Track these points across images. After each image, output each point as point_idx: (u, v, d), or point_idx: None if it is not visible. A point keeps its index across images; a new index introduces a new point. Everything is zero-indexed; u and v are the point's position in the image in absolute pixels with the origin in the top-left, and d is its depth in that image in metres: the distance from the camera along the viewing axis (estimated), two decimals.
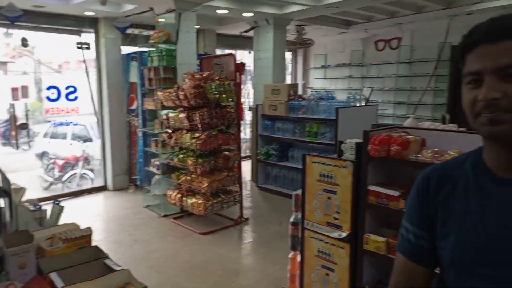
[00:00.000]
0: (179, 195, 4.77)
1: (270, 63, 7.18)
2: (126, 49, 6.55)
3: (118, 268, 1.26)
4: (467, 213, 0.87)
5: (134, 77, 6.31)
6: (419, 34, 8.07)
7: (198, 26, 6.48)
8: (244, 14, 6.76)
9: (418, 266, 0.97)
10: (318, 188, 2.55)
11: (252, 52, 7.91)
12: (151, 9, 5.55)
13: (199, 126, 4.38)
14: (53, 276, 1.16)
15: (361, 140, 2.39)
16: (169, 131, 4.86)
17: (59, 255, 1.32)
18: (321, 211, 2.53)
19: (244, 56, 8.40)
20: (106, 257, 1.33)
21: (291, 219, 2.82)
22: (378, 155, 2.25)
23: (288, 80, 10.17)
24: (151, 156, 5.56)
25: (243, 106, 4.99)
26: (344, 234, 2.41)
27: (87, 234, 1.44)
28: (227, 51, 8.55)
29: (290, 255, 2.89)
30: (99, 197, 6.29)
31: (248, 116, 6.57)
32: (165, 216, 5.10)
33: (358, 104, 5.90)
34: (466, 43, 0.83)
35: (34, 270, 1.22)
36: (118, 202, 5.96)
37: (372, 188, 2.31)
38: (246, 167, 6.75)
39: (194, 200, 4.57)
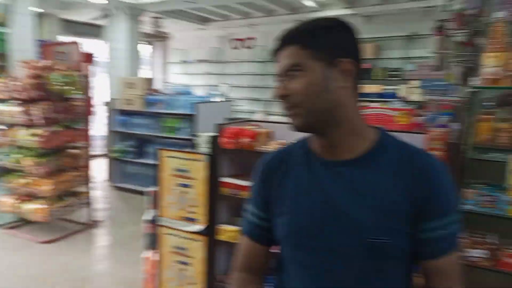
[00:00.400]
0: (14, 201, 4.12)
1: (125, 54, 6.79)
2: None
3: None
4: (298, 192, 0.95)
5: None
6: (271, 36, 8.69)
7: (39, 10, 5.71)
8: (94, 0, 6.23)
9: (260, 245, 1.05)
10: (173, 183, 2.50)
11: (103, 42, 7.36)
12: None
13: (40, 121, 3.85)
14: None
15: (214, 133, 2.43)
16: (2, 127, 4.15)
17: None
18: (177, 206, 2.49)
19: (98, 46, 7.73)
20: None
21: (146, 217, 2.72)
22: (230, 147, 2.32)
23: (148, 74, 9.80)
24: None
25: (93, 100, 4.58)
26: (199, 227, 2.42)
27: None
28: (73, 39, 7.75)
29: (144, 255, 2.78)
30: None
31: (103, 111, 6.08)
32: None
33: (215, 100, 6.03)
34: (274, 48, 0.95)
35: None
36: None
37: (225, 179, 2.38)
38: (102, 166, 6.27)
39: (33, 205, 4.00)
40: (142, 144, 5.89)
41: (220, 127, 2.39)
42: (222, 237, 2.36)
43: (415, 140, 1.88)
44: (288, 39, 0.91)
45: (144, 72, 8.72)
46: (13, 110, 3.97)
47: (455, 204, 0.91)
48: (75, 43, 4.58)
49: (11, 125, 4.09)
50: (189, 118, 5.24)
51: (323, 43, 0.89)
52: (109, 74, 6.93)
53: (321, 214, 0.90)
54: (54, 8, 6.77)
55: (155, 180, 2.63)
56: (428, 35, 6.45)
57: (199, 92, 7.18)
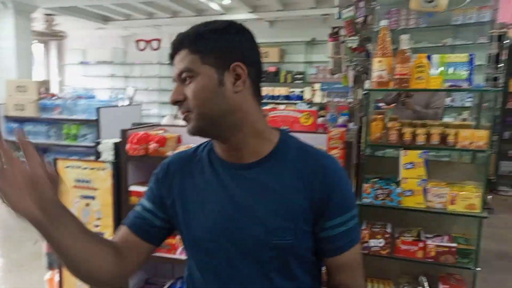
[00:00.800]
0: None
1: (13, 54, 6.11)
2: None
3: None
4: (202, 196, 0.94)
5: None
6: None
7: None
8: None
9: (142, 241, 0.97)
10: (75, 195, 2.32)
11: None
12: None
13: None
14: None
15: (119, 140, 2.31)
16: None
17: None
18: (80, 219, 2.31)
19: None
20: None
21: None
22: (137, 153, 2.23)
23: (42, 76, 8.94)
24: None
25: None
26: None
27: None
28: None
29: (47, 276, 2.54)
30: None
31: None
32: None
33: (121, 104, 5.72)
34: (170, 52, 0.93)
35: None
36: None
37: (133, 188, 2.27)
38: None
39: None
40: (38, 154, 5.34)
41: (125, 133, 2.28)
42: None
43: (319, 140, 2.01)
44: (179, 44, 0.90)
45: (38, 74, 7.94)
46: None
47: (352, 201, 0.96)
48: None
49: None
50: (92, 124, 4.90)
51: (213, 47, 0.87)
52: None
53: (225, 218, 0.91)
54: None
55: None
56: (326, 41, 6.93)
57: (103, 95, 6.75)
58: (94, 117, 4.83)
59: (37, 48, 8.74)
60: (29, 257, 3.84)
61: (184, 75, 0.88)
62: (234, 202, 0.91)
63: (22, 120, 5.22)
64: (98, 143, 2.40)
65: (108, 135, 4.58)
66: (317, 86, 6.81)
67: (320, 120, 2.55)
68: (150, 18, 8.31)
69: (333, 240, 0.92)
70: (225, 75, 0.87)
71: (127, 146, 2.24)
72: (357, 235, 0.96)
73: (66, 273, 2.37)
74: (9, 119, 5.27)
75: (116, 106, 5.35)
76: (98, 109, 4.81)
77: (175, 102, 0.90)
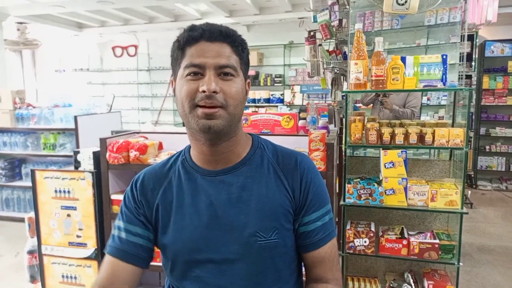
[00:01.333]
0: None
1: None
2: None
3: None
4: (183, 207, 0.93)
5: None
6: (155, 43, 8.47)
7: None
8: None
9: (128, 265, 0.94)
10: (55, 206, 2.28)
11: None
12: None
13: None
14: None
15: (99, 148, 2.28)
16: None
17: None
18: (61, 231, 2.27)
19: None
20: None
21: (27, 248, 2.43)
22: (117, 162, 2.20)
23: (16, 85, 8.71)
24: None
25: None
26: (89, 252, 2.24)
27: None
28: None
29: None
30: None
31: None
32: None
33: (99, 111, 5.63)
34: (188, 37, 0.88)
35: None
36: None
37: (115, 197, 2.25)
38: None
39: None
40: (16, 165, 5.22)
41: (104, 141, 2.25)
42: None
43: (300, 142, 2.03)
44: (219, 35, 0.88)
45: (14, 84, 7.74)
46: None
47: (327, 197, 0.99)
48: None
49: None
50: (70, 132, 4.81)
51: (247, 58, 0.95)
52: None
53: (208, 227, 0.91)
54: None
55: (33, 205, 2.36)
56: (303, 44, 7.00)
57: (80, 103, 6.63)
58: (72, 126, 4.74)
59: (12, 57, 8.52)
60: (10, 269, 3.73)
61: (227, 70, 0.87)
62: (216, 209, 0.91)
63: None
64: (77, 153, 2.36)
65: (87, 144, 4.52)
66: (296, 88, 6.87)
67: (300, 122, 2.57)
68: (126, 25, 8.22)
69: (311, 235, 0.95)
70: (245, 85, 0.94)
71: (107, 154, 2.21)
72: (332, 230, 0.99)
73: (51, 284, 2.31)
74: None
75: (95, 113, 5.27)
76: (76, 118, 4.72)
77: (211, 92, 0.84)
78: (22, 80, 9.25)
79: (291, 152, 1.00)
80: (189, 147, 1.00)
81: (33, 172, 2.31)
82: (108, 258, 0.96)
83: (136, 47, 8.45)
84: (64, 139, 4.93)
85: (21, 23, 7.14)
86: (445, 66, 2.05)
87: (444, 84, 2.06)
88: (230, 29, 0.91)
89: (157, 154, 2.31)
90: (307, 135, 2.04)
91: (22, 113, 5.02)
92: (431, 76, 2.07)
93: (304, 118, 2.73)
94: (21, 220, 4.75)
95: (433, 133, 2.07)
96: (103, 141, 2.25)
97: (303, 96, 6.27)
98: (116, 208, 2.22)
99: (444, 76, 2.05)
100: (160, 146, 2.38)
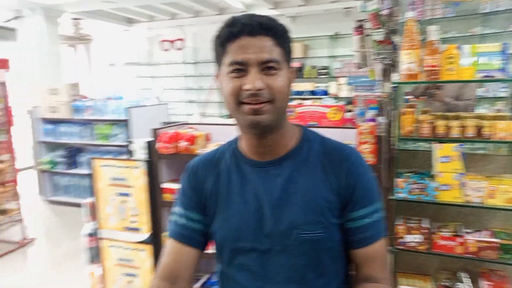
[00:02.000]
0: None
1: (44, 59, 6.34)
2: None
3: None
4: (231, 196, 0.96)
5: None
6: (201, 37, 8.63)
7: None
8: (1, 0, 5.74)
9: (189, 247, 0.99)
10: (111, 193, 2.41)
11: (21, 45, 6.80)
12: None
13: None
14: None
15: (151, 139, 2.38)
16: None
17: None
18: (117, 216, 2.40)
19: (12, 50, 7.11)
20: None
21: (86, 231, 2.59)
22: (168, 152, 2.29)
23: (72, 78, 9.24)
24: None
25: (12, 109, 4.23)
26: (143, 236, 2.36)
27: None
28: None
29: (88, 270, 2.64)
30: None
31: (26, 120, 5.63)
32: None
33: (149, 103, 5.85)
34: (228, 33, 0.87)
35: None
36: None
37: (165, 185, 2.34)
38: (31, 180, 5.79)
39: None
40: (73, 153, 5.55)
41: (156, 132, 2.35)
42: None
43: (347, 135, 2.01)
44: (259, 28, 0.86)
45: (68, 77, 8.20)
46: None
47: (377, 194, 0.97)
48: None
49: None
50: (122, 123, 5.05)
51: (290, 47, 0.93)
52: (28, 81, 6.43)
53: (254, 216, 0.92)
54: None
55: (91, 191, 2.51)
56: (350, 34, 6.85)
57: (131, 96, 6.92)
58: (124, 117, 4.96)
59: (67, 51, 9.02)
60: (70, 252, 4.00)
61: (271, 64, 0.86)
62: (262, 200, 0.93)
63: (57, 122, 5.44)
64: (130, 142, 2.48)
65: (138, 134, 4.72)
66: (342, 80, 6.74)
67: (347, 114, 2.53)
68: (173, 19, 8.44)
69: (359, 231, 0.93)
70: (289, 76, 0.92)
71: (158, 144, 2.30)
72: (382, 229, 0.97)
73: (108, 266, 2.46)
74: (45, 121, 5.49)
75: (145, 105, 5.48)
76: (127, 109, 4.94)
77: (257, 89, 0.85)
78: (77, 73, 9.77)
79: (339, 145, 0.99)
80: (238, 138, 1.02)
81: (92, 160, 2.45)
82: (170, 242, 1.01)
83: (182, 40, 8.66)
84: (117, 130, 5.18)
85: (76, 19, 7.51)
86: (506, 55, 1.93)
87: (504, 75, 1.94)
88: (271, 20, 0.89)
89: (205, 144, 2.37)
90: (354, 128, 2.01)
91: (78, 104, 5.33)
92: (489, 66, 1.96)
93: (351, 111, 2.69)
94: (78, 205, 5.10)
95: (492, 126, 1.96)
96: (154, 132, 2.34)
97: (349, 88, 6.15)
98: (166, 196, 2.31)
99: (504, 66, 1.93)
100: (208, 137, 2.44)
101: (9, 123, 4.14)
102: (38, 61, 6.33)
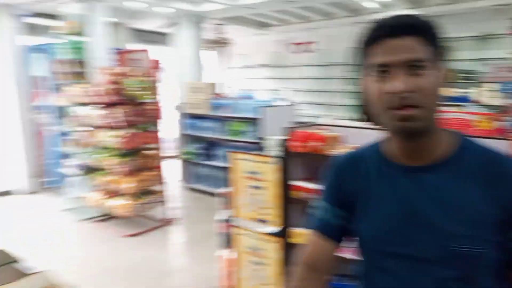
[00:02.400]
0: (99, 197, 4.50)
1: (190, 60, 7.13)
2: (26, 40, 5.97)
3: (33, 271, 1.18)
4: (379, 198, 0.95)
5: (38, 70, 5.80)
6: (331, 39, 8.63)
7: (112, 19, 6.19)
8: (158, 9, 6.61)
9: (330, 241, 1.03)
10: (245, 185, 2.61)
11: (171, 49, 7.78)
12: None
13: (122, 123, 4.18)
14: None
15: (283, 137, 2.50)
16: (86, 128, 4.57)
17: None
18: (249, 207, 2.59)
19: (164, 53, 8.18)
20: (15, 261, 1.24)
21: (220, 217, 2.84)
22: (299, 150, 2.37)
23: (212, 78, 10.20)
24: (65, 156, 5.16)
25: (162, 104, 4.89)
26: (273, 229, 2.49)
27: None
28: (141, 47, 8.25)
29: (219, 253, 2.91)
30: (4, 202, 5.67)
31: (173, 114, 6.45)
32: (84, 219, 4.78)
33: (278, 104, 6.12)
34: (371, 36, 0.86)
35: None
36: (30, 206, 5.45)
37: (295, 183, 2.43)
38: (176, 167, 6.61)
39: (116, 201, 4.35)
40: (210, 146, 6.13)
41: (289, 131, 2.46)
42: (296, 239, 2.40)
43: (498, 146, 1.82)
44: (403, 29, 0.83)
45: (209, 77, 9.06)
46: (96, 113, 4.35)
47: None
48: (145, 50, 4.91)
49: (94, 127, 4.49)
50: (253, 121, 5.38)
51: (441, 44, 0.86)
52: (178, 80, 7.32)
53: (404, 221, 0.89)
54: (125, 17, 7.26)
55: (224, 182, 2.74)
56: (501, 35, 6.07)
57: (262, 96, 7.32)
58: (255, 116, 5.29)
59: (210, 54, 9.96)
60: (204, 234, 4.45)
61: (417, 64, 0.81)
62: (410, 205, 0.89)
63: (198, 117, 6.09)
64: (262, 139, 2.64)
65: (267, 132, 4.97)
66: (489, 86, 6.00)
67: (497, 124, 2.28)
68: (305, 22, 8.61)
69: None
70: (440, 75, 0.86)
71: (291, 143, 2.41)
72: None
73: (238, 251, 2.68)
74: (189, 116, 6.20)
75: (275, 106, 5.74)
76: (259, 108, 5.25)
77: (405, 93, 0.81)
78: (216, 73, 10.72)
79: (502, 155, 0.90)
80: (383, 140, 0.99)
81: (229, 154, 2.70)
82: (313, 234, 1.06)
83: (313, 43, 8.78)
84: (248, 127, 5.54)
85: (217, 24, 8.24)
86: None
87: None
88: (416, 18, 0.84)
89: (337, 146, 2.39)
90: (506, 139, 1.81)
91: (216, 102, 5.86)
92: None
93: (503, 120, 2.41)
94: (210, 193, 5.63)
95: None
96: (288, 130, 2.46)
97: (501, 95, 5.45)
98: (295, 193, 2.41)
99: None
100: (339, 139, 2.46)
101: (158, 116, 4.78)
102: (186, 62, 7.14)
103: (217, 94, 6.12)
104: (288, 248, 2.46)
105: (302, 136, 2.38)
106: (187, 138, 6.30)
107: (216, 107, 5.85)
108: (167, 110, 5.74)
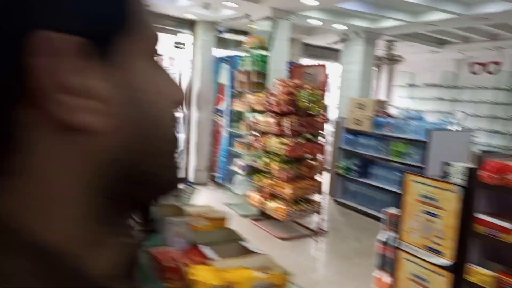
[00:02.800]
0: (260, 198, 4.87)
1: (357, 76, 7.10)
2: (217, 52, 6.88)
3: (258, 251, 1.34)
4: None
5: (223, 78, 6.60)
6: None
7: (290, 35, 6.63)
8: (335, 26, 6.77)
9: None
10: (418, 209, 2.47)
11: (338, 64, 7.90)
12: (248, 16, 5.77)
13: (289, 132, 4.45)
14: (205, 249, 1.27)
15: (472, 165, 2.28)
16: (257, 134, 5.00)
17: (203, 231, 1.45)
18: (420, 233, 2.44)
19: (331, 68, 8.40)
20: (242, 239, 1.43)
21: (381, 238, 2.76)
22: (491, 182, 2.13)
23: (373, 96, 9.98)
24: (234, 156, 5.75)
25: (327, 117, 4.99)
26: (446, 262, 2.30)
27: (222, 217, 1.55)
28: (313, 62, 8.59)
29: (375, 274, 2.82)
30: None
31: (327, 128, 6.54)
32: (243, 216, 5.23)
33: (450, 128, 5.60)
34: None
35: (186, 240, 1.34)
36: (198, 196, 6.24)
37: (481, 216, 2.19)
38: (325, 180, 6.70)
39: (275, 204, 4.64)
40: (365, 164, 6.00)
41: (480, 159, 2.23)
42: (472, 278, 2.17)
43: None
44: None
45: (373, 94, 8.88)
46: (268, 120, 4.72)
47: None
48: (323, 66, 5.10)
49: (264, 133, 4.87)
50: (419, 144, 5.04)
51: None
52: (340, 94, 7.39)
53: None
54: (300, 33, 7.68)
55: (380, 203, 2.65)
56: None
57: (431, 118, 6.81)
58: (423, 138, 4.95)
59: (374, 71, 9.76)
60: (353, 252, 4.38)
61: None
62: None
63: (358, 133, 6.02)
64: (447, 164, 2.45)
65: (434, 157, 4.60)
66: None
67: None
68: (490, 40, 7.67)
69: None
70: None
71: (482, 172, 2.18)
72: None
73: (399, 278, 2.56)
74: (348, 131, 6.17)
75: (446, 130, 5.27)
76: (428, 131, 4.89)
77: None
78: (377, 91, 10.43)
79: None
80: None
81: (404, 174, 2.59)
82: None
83: (498, 64, 7.76)
84: (412, 149, 5.21)
85: (390, 41, 8.00)
86: None
87: None
88: None
89: None
90: None
91: (379, 120, 5.68)
92: None
93: None
94: (363, 212, 5.49)
95: None
96: (479, 159, 2.24)
97: None
98: (480, 228, 2.17)
99: None
100: None
101: (322, 128, 4.87)
102: (353, 78, 7.17)
103: (383, 112, 5.95)
104: (460, 285, 2.23)
105: (496, 166, 2.13)
106: (342, 153, 6.28)
107: (379, 125, 5.68)
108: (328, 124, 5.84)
